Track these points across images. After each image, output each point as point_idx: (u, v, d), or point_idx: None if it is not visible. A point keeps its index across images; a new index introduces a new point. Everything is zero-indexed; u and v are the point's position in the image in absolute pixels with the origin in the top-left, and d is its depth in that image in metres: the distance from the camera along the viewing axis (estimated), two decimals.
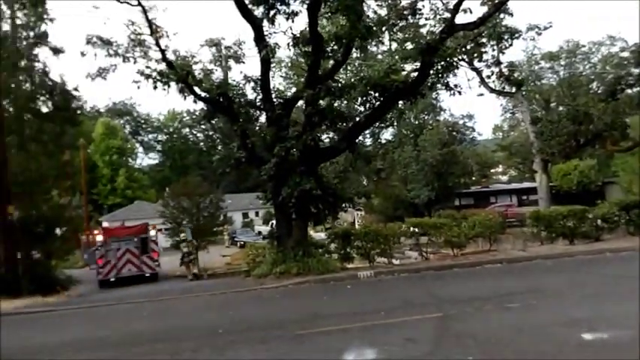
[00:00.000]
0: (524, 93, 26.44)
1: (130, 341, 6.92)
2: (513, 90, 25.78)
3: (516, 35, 23.49)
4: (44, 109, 18.11)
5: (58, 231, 18.32)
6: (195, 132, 72.91)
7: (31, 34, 17.88)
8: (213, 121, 16.88)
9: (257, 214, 49.31)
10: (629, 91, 22.16)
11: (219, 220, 29.80)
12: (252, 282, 13.00)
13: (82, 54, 13.46)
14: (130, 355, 6.14)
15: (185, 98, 13.86)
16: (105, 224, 33.12)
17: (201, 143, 72.08)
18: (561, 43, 32.11)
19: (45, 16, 17.74)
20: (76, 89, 18.71)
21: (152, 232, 20.13)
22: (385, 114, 15.28)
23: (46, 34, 17.93)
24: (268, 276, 12.80)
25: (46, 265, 16.58)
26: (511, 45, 23.94)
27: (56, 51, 18.21)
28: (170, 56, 13.49)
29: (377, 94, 13.54)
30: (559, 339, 5.50)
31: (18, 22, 17.53)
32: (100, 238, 19.90)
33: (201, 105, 15.05)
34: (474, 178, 42.54)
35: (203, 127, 69.32)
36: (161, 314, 9.55)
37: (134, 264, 19.22)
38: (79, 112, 20.57)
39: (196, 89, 13.76)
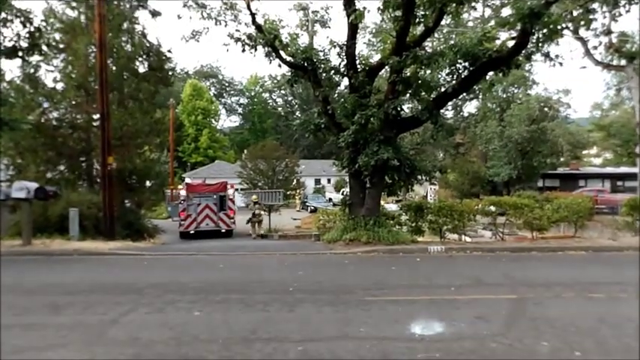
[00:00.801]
0: (635, 67, 23.63)
1: (208, 289, 7.44)
2: (623, 63, 23.11)
3: (636, 0, 20.69)
4: (141, 70, 19.47)
5: (147, 183, 19.93)
6: (274, 97, 74.58)
7: None
8: (294, 87, 17.07)
9: (329, 180, 49.89)
10: None
11: (293, 184, 30.61)
12: (321, 246, 13.31)
13: (179, 17, 14.17)
14: (207, 302, 6.61)
15: (270, 62, 14.15)
16: (187, 180, 35.35)
17: (280, 108, 73.64)
18: None
19: None
20: (169, 51, 19.85)
21: (230, 191, 21.20)
22: (473, 85, 14.49)
23: None
24: (338, 242, 13.02)
25: (137, 213, 18.19)
26: (628, 11, 21.17)
27: (154, 14, 19.31)
28: (259, 20, 13.73)
29: (467, 64, 12.82)
30: None
31: None
32: (183, 192, 21.32)
33: (284, 69, 15.27)
34: (562, 159, 39.54)
35: (283, 92, 70.66)
36: (236, 268, 10.13)
37: (212, 219, 20.46)
38: (170, 73, 21.85)
39: (282, 53, 13.95)
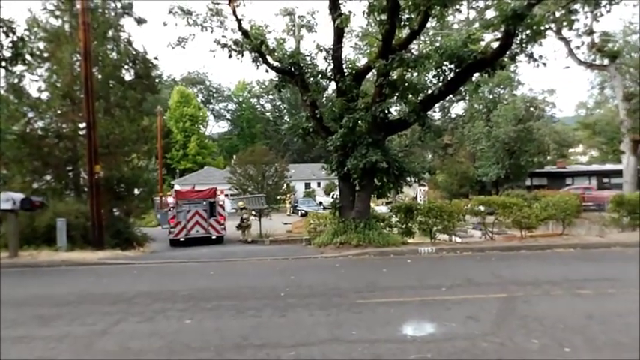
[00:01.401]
0: (617, 66, 24.06)
1: (199, 296, 7.39)
2: (605, 62, 23.53)
3: (616, 0, 21.15)
4: (127, 77, 19.37)
5: (136, 191, 19.77)
6: (262, 102, 74.50)
7: (118, 4, 18.98)
8: (282, 92, 17.09)
9: (319, 184, 49.92)
10: None
11: (283, 188, 30.53)
12: (312, 250, 13.30)
13: (164, 24, 14.13)
14: (198, 309, 6.56)
15: (257, 67, 14.20)
16: (177, 187, 35.13)
17: (268, 113, 73.58)
18: None
19: None
20: (155, 58, 19.78)
21: (220, 197, 21.12)
22: (459, 87, 14.65)
23: (131, 4, 18.98)
24: (328, 245, 13.03)
25: (126, 222, 18.01)
26: (608, 12, 21.72)
27: (140, 21, 19.23)
28: (245, 25, 13.75)
29: (452, 66, 12.97)
30: (637, 330, 5.14)
31: None
32: (172, 200, 21.18)
33: (271, 75, 15.31)
34: (549, 158, 40.07)
35: (271, 97, 70.64)
36: (227, 274, 10.08)
37: (202, 226, 20.35)
38: (157, 80, 21.76)
39: (269, 58, 13.98)
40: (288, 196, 38.45)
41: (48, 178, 17.78)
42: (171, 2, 14.25)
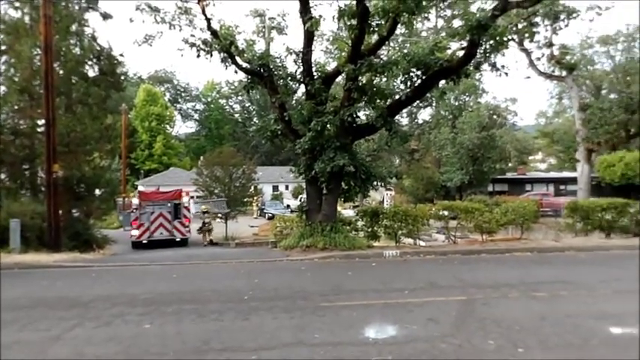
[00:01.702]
0: (574, 78, 25.21)
1: (159, 300, 7.23)
2: (563, 74, 24.61)
3: (574, 15, 22.18)
4: (91, 74, 18.77)
5: (97, 192, 19.14)
6: (232, 103, 73.72)
7: None
8: (251, 93, 16.95)
9: (287, 187, 49.78)
10: None
11: (250, 191, 30.26)
12: (278, 253, 13.26)
13: (131, 20, 13.81)
14: (159, 314, 6.42)
15: (226, 68, 14.06)
16: (141, 188, 34.25)
17: (237, 114, 72.87)
18: (620, 27, 30.43)
19: None
20: (121, 55, 19.24)
21: (185, 199, 20.73)
22: (426, 93, 14.97)
23: None
24: (294, 248, 13.01)
25: (85, 223, 17.39)
26: (567, 26, 22.76)
27: (105, 16, 18.68)
28: (215, 25, 13.61)
29: (419, 72, 13.24)
30: (586, 331, 5.39)
31: None
32: (135, 201, 20.63)
33: (241, 76, 15.20)
34: (510, 165, 41.42)
35: (240, 98, 70.03)
36: (190, 277, 9.89)
37: (166, 228, 19.90)
38: (122, 77, 21.17)
39: (238, 59, 13.87)
40: (255, 198, 38.15)
41: (2, 176, 16.97)
42: None
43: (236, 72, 14.34)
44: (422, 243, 15.39)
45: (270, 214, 33.80)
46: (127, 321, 6.08)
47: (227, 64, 14.00)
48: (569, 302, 6.85)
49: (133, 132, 52.70)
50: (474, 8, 14.04)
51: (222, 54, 13.77)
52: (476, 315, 6.17)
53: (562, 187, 36.59)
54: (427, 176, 36.54)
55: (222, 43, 13.34)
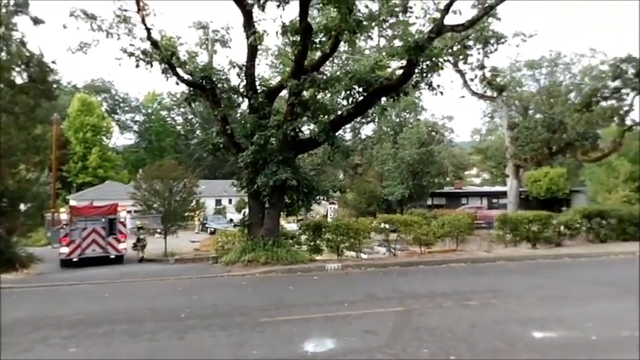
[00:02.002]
0: (504, 98, 26.96)
1: (88, 321, 6.83)
2: (494, 94, 26.22)
3: (502, 40, 23.86)
4: (19, 80, 17.54)
5: (22, 207, 17.80)
6: (174, 115, 71.70)
7: (12, 1, 17.26)
8: (193, 105, 16.61)
9: (230, 201, 48.88)
10: (603, 103, 22.80)
11: (192, 205, 29.38)
12: (219, 269, 12.97)
13: (64, 27, 13.14)
14: (87, 336, 6.06)
15: (167, 79, 13.75)
16: (72, 202, 32.33)
17: (180, 127, 70.94)
18: (544, 52, 33.15)
19: None
20: (53, 62, 18.18)
21: (122, 214, 19.80)
22: (367, 109, 15.40)
23: (26, 2, 17.33)
24: (236, 263, 12.79)
25: (7, 241, 16.10)
26: (496, 50, 24.37)
27: (36, 21, 17.60)
28: (155, 36, 13.29)
29: (361, 89, 13.60)
30: (511, 336, 5.71)
31: None
32: (64, 216, 19.42)
33: (183, 87, 14.88)
34: (448, 179, 43.31)
35: (182, 110, 68.31)
36: (123, 296, 9.43)
37: (99, 245, 18.85)
38: (55, 85, 20.01)
39: (180, 71, 13.61)
40: (197, 212, 37.08)
41: None
42: (73, 4, 13.34)
43: (177, 84, 14.08)
44: (364, 256, 15.65)
45: (212, 229, 32.90)
46: (50, 345, 5.68)
47: (168, 75, 13.70)
48: (497, 310, 7.22)
49: (65, 143, 49.76)
50: (414, 29, 14.71)
51: (162, 65, 13.46)
52: (412, 325, 6.35)
53: (495, 200, 38.74)
54: (369, 190, 37.30)
55: (163, 54, 13.05)
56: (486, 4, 14.91)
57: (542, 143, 24.07)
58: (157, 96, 69.75)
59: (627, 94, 21.83)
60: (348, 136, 45.49)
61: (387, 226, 15.25)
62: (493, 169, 49.49)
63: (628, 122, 22.85)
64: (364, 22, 13.39)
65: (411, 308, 7.28)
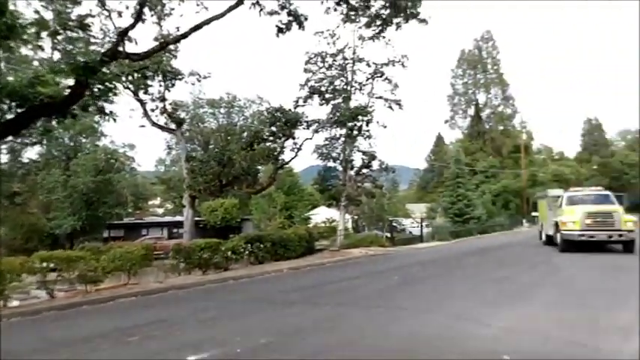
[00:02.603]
0: (184, 131, 28.16)
1: None
2: (174, 127, 27.00)
3: (179, 77, 25.09)
4: None
5: None
6: None
7: None
8: None
9: None
10: (262, 145, 26.95)
11: None
12: None
13: None
14: None
15: None
16: None
17: None
18: (223, 94, 37.38)
19: None
20: None
21: None
22: (23, 129, 13.16)
23: None
24: None
25: None
26: (173, 85, 25.38)
27: None
28: None
29: (14, 104, 11.56)
30: None
31: None
32: None
33: None
34: (128, 210, 41.48)
35: None
36: None
37: None
38: None
39: None
40: None
41: None
42: None
43: None
44: (15, 303, 12.94)
45: None
46: None
47: None
48: (157, 341, 7.20)
49: None
50: (96, 49, 13.63)
51: None
52: None
53: (175, 230, 39.42)
54: (30, 223, 31.67)
55: None
56: (162, 40, 15.41)
57: (214, 176, 26.19)
58: None
59: (280, 138, 26.60)
60: (5, 158, 37.69)
61: (45, 264, 13.15)
62: (175, 199, 50.60)
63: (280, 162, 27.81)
64: (21, 28, 11.58)
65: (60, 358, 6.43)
